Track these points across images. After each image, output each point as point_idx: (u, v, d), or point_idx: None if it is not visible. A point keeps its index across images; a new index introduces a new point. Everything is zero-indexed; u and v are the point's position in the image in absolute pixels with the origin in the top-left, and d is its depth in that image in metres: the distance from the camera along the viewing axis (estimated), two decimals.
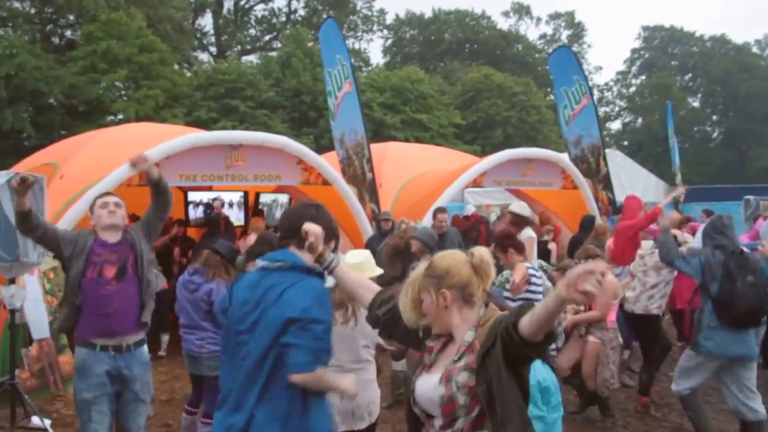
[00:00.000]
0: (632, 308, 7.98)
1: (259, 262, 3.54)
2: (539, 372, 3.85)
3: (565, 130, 16.36)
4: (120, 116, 27.64)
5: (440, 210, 10.26)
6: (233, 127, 25.89)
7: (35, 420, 6.99)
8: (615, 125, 63.55)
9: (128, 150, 9.64)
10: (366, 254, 5.26)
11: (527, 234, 9.18)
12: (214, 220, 12.35)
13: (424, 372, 2.97)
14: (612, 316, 7.43)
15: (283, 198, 14.62)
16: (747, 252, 6.47)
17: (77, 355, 5.05)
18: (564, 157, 14.54)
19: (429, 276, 2.94)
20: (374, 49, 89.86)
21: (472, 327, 2.88)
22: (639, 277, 7.96)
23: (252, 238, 9.62)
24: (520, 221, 9.16)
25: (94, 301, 5.02)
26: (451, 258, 2.98)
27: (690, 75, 62.27)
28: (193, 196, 13.90)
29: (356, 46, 51.24)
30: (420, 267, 3.02)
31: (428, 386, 2.89)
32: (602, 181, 15.27)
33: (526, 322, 2.59)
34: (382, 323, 3.32)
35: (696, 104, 61.12)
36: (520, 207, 9.64)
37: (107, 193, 5.56)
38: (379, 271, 5.17)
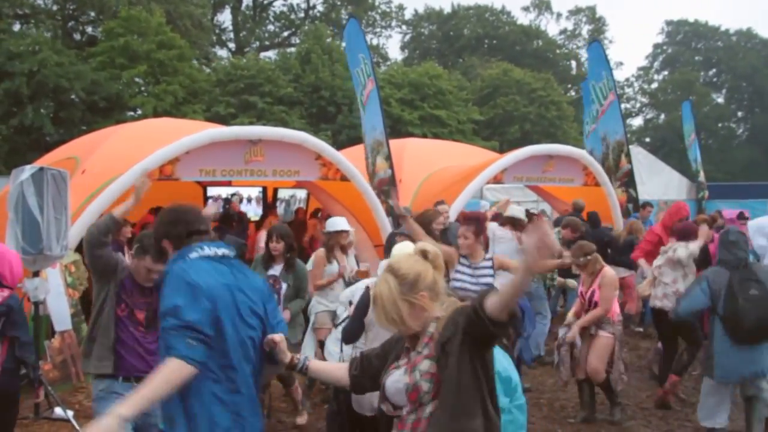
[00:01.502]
0: (660, 304, 7.94)
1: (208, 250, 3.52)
2: (500, 362, 3.81)
3: (587, 128, 16.35)
4: (139, 112, 27.74)
5: (440, 203, 10.09)
6: (251, 123, 25.93)
7: (58, 411, 7.04)
8: (637, 121, 63.15)
9: (149, 145, 9.75)
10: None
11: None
12: (225, 216, 12.39)
13: (392, 369, 3.10)
14: (616, 309, 7.44)
15: (301, 193, 14.65)
16: (752, 263, 6.35)
17: (101, 382, 4.77)
18: (585, 154, 14.45)
19: (403, 284, 3.00)
20: (393, 44, 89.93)
21: (433, 319, 3.01)
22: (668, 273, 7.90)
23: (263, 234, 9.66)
24: (515, 224, 9.12)
25: (132, 341, 4.78)
26: (410, 261, 3.10)
27: (714, 70, 61.49)
28: (212, 191, 13.96)
29: (374, 41, 51.20)
30: (385, 281, 3.06)
31: (395, 378, 3.03)
32: (622, 178, 15.18)
33: (493, 301, 2.73)
34: (356, 378, 3.35)
35: (720, 100, 60.48)
36: (517, 211, 9.61)
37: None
38: None
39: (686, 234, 8.15)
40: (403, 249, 5.51)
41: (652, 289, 8.21)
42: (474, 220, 6.83)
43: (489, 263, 6.60)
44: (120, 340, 4.75)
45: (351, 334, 5.21)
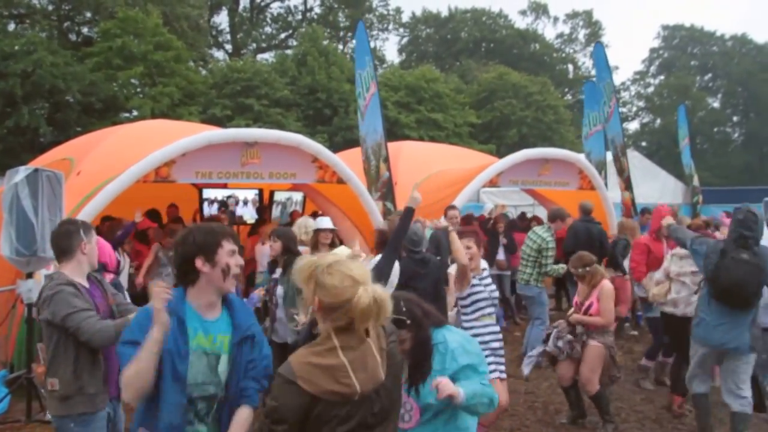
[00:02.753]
0: (672, 310, 7.91)
1: None
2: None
3: (586, 130, 16.42)
4: (135, 113, 27.69)
5: (451, 207, 10.20)
6: (247, 126, 25.96)
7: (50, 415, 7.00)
8: (633, 125, 63.31)
9: (145, 146, 9.74)
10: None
11: None
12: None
13: None
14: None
15: (297, 196, 14.61)
16: (752, 239, 6.33)
17: (80, 402, 4.55)
18: (581, 158, 14.48)
19: (317, 281, 2.92)
20: (390, 47, 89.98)
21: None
22: (683, 279, 7.86)
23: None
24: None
25: (112, 358, 4.63)
26: (342, 278, 2.88)
27: (710, 75, 61.84)
28: (207, 193, 13.92)
29: (372, 44, 51.17)
30: (323, 260, 2.99)
31: None
32: (625, 182, 15.24)
33: None
34: None
35: (716, 105, 60.72)
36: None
37: None
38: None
39: None
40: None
41: (671, 294, 8.10)
42: (473, 232, 6.90)
43: (488, 271, 6.65)
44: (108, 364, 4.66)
45: None
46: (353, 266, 2.94)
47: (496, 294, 6.53)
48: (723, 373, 6.50)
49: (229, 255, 3.49)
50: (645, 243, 9.77)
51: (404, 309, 3.64)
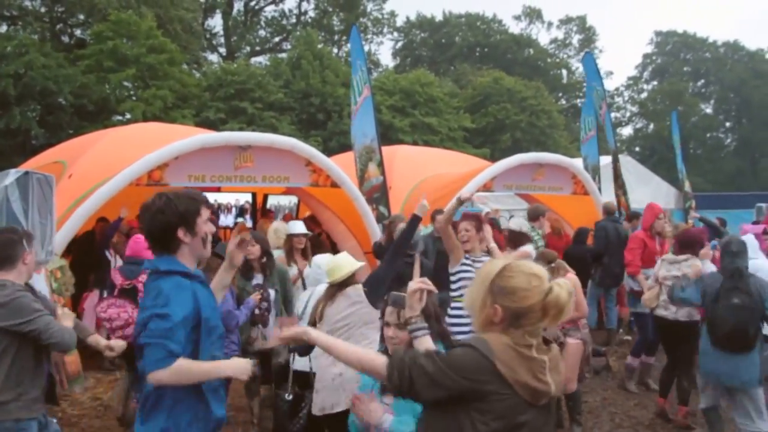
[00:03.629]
0: (664, 313, 7.83)
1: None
2: None
3: (588, 134, 16.43)
4: (128, 116, 27.59)
5: (439, 212, 10.11)
6: (241, 129, 25.89)
7: None
8: (626, 131, 63.47)
9: (137, 149, 9.71)
10: (331, 257, 5.66)
11: (525, 249, 9.19)
12: None
13: None
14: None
15: (291, 200, 14.61)
16: (747, 273, 6.34)
17: (17, 407, 4.47)
18: (575, 162, 14.47)
19: (495, 282, 2.73)
20: (384, 51, 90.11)
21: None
22: (668, 284, 7.82)
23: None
24: (516, 238, 9.11)
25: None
26: (528, 277, 2.71)
27: (703, 81, 62.12)
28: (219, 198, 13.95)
29: (366, 48, 51.19)
30: (495, 265, 2.80)
31: None
32: (621, 187, 15.24)
33: None
34: None
35: (709, 110, 61.00)
36: (517, 224, 9.59)
37: None
38: (359, 263, 5.47)
39: (690, 244, 8.01)
40: (324, 262, 5.82)
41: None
42: (474, 217, 7.04)
43: (487, 257, 6.68)
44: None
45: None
46: (529, 263, 2.80)
47: None
48: (735, 405, 6.44)
49: (205, 223, 3.50)
50: (641, 238, 9.83)
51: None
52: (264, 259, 7.14)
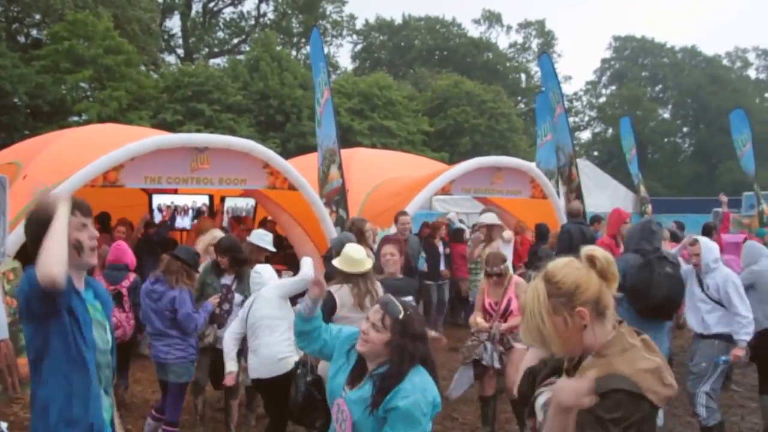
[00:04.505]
0: None
1: None
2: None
3: (540, 139, 16.54)
4: (84, 117, 27.24)
5: (402, 213, 10.11)
6: (198, 131, 25.65)
7: None
8: (585, 135, 64.07)
9: (93, 150, 9.60)
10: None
11: (507, 236, 9.37)
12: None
13: (543, 385, 2.73)
14: None
15: (249, 202, 14.52)
16: (667, 252, 6.51)
17: None
18: (533, 166, 14.56)
19: (555, 296, 2.52)
20: (343, 54, 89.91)
21: (593, 352, 2.54)
22: None
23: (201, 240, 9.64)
24: (492, 229, 9.15)
25: None
26: (572, 268, 2.57)
27: (660, 86, 62.96)
28: (157, 199, 13.77)
29: (325, 51, 51.00)
30: (535, 288, 2.60)
31: (538, 405, 2.69)
32: (575, 190, 15.32)
33: None
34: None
35: (666, 116, 61.75)
36: (489, 218, 9.62)
37: None
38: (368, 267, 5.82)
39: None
40: (354, 248, 5.93)
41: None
42: (396, 241, 7.00)
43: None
44: None
45: None
46: (549, 264, 2.64)
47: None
48: None
49: (77, 229, 3.24)
50: (607, 244, 9.67)
51: (408, 312, 3.47)
52: (236, 267, 7.22)
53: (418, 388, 3.32)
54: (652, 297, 6.18)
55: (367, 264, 5.82)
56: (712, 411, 6.71)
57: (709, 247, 6.91)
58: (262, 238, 7.92)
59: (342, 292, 5.71)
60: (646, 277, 6.23)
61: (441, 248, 13.02)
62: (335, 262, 5.84)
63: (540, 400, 2.65)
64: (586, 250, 2.61)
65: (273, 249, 8.14)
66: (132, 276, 7.80)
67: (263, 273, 6.51)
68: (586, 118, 64.65)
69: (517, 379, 2.94)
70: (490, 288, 7.31)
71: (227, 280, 7.15)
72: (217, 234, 9.10)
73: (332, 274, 5.99)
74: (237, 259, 7.19)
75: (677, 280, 6.23)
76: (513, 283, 7.25)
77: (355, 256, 5.77)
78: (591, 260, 2.56)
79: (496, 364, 7.08)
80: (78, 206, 3.30)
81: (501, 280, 7.22)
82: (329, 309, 5.51)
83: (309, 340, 3.99)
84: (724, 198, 14.73)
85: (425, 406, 3.33)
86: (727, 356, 6.71)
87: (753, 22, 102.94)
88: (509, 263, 9.30)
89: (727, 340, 6.72)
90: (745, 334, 6.64)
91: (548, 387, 2.61)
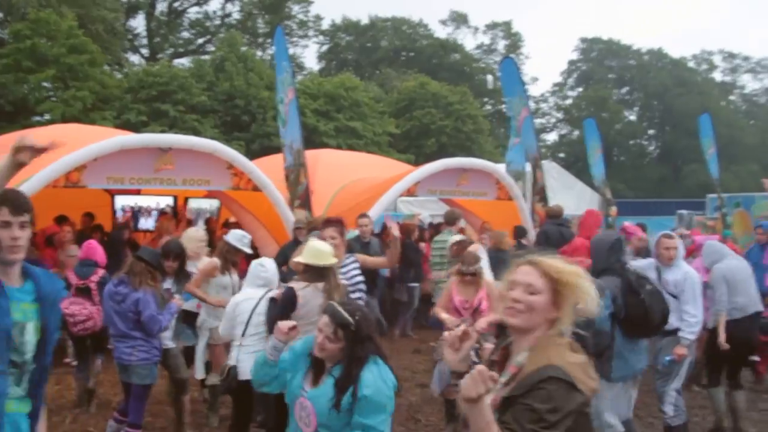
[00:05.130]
0: None
1: None
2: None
3: (514, 141, 16.55)
4: (46, 117, 26.90)
5: (363, 216, 10.05)
6: (163, 132, 25.36)
7: None
8: (551, 137, 64.36)
9: (56, 151, 9.43)
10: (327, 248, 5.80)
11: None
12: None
13: None
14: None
15: (213, 203, 14.46)
16: (628, 264, 6.47)
17: None
18: (499, 168, 14.61)
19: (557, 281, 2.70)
20: (309, 54, 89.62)
21: (527, 346, 2.68)
22: None
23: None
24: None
25: None
26: (579, 277, 2.71)
27: (627, 88, 63.34)
28: (120, 200, 13.68)
29: (291, 51, 50.74)
30: (565, 265, 2.76)
31: None
32: (539, 193, 15.39)
33: None
34: None
35: (633, 118, 62.20)
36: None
37: None
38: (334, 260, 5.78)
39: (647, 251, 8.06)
40: (319, 242, 5.94)
41: None
42: (337, 222, 6.88)
43: (356, 263, 6.88)
44: None
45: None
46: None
47: (357, 281, 6.73)
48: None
49: (1, 227, 3.18)
50: (587, 246, 9.62)
51: (357, 318, 3.62)
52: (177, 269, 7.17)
53: (377, 376, 3.60)
54: (652, 320, 6.03)
55: (333, 257, 5.77)
56: (679, 410, 6.78)
57: (679, 243, 7.07)
58: (240, 239, 7.85)
59: (306, 291, 5.61)
60: (636, 302, 6.02)
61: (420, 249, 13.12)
62: (299, 258, 5.77)
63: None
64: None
65: (249, 251, 8.05)
66: (101, 271, 8.04)
67: (269, 267, 6.40)
68: (553, 120, 64.97)
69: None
70: (459, 287, 7.31)
71: (167, 284, 7.03)
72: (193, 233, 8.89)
73: (288, 278, 5.96)
74: (182, 260, 7.21)
75: (659, 293, 6.16)
76: (485, 283, 7.30)
77: (322, 248, 5.74)
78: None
79: (474, 359, 7.04)
80: (5, 202, 3.25)
81: (474, 280, 7.24)
82: (288, 306, 5.51)
83: (273, 383, 4.00)
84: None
85: (387, 390, 3.63)
86: (671, 355, 6.78)
87: (719, 25, 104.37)
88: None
89: None
90: (690, 333, 6.71)
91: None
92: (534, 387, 2.44)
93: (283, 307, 5.55)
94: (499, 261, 10.93)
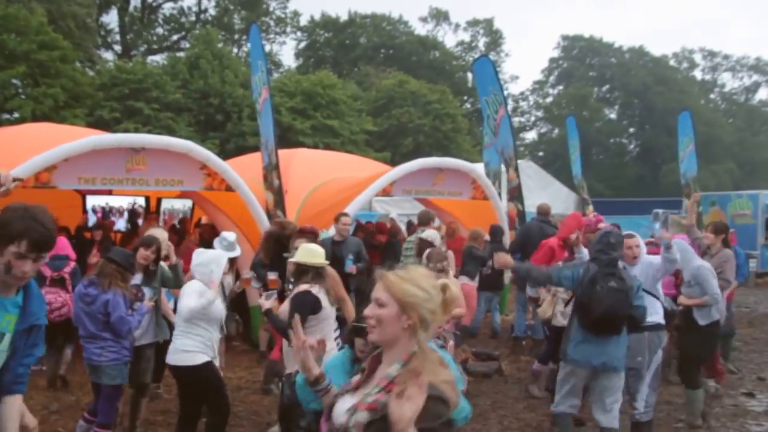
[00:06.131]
0: (563, 323, 7.79)
1: None
2: None
3: (490, 141, 16.49)
4: (16, 115, 26.56)
5: (343, 214, 10.16)
6: (136, 130, 25.11)
7: None
8: (531, 135, 64.55)
9: (25, 150, 9.34)
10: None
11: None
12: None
13: (347, 392, 2.86)
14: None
15: (186, 203, 14.35)
16: (621, 268, 6.55)
17: None
18: (475, 167, 14.58)
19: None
20: (287, 51, 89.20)
21: (401, 360, 2.70)
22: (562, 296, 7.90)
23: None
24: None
25: None
26: (429, 282, 2.78)
27: (608, 86, 63.60)
28: (91, 200, 13.52)
29: (268, 48, 50.52)
30: (395, 276, 2.80)
31: (340, 409, 2.79)
32: (512, 192, 15.35)
33: None
34: None
35: (613, 116, 62.49)
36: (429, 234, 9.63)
37: None
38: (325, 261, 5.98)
39: None
40: (310, 247, 5.99)
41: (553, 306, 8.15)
42: (311, 232, 7.23)
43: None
44: None
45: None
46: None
47: None
48: (594, 391, 6.59)
49: (13, 255, 3.21)
50: (551, 246, 9.62)
51: None
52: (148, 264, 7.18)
53: None
54: (593, 311, 6.18)
55: (324, 258, 5.91)
56: (648, 407, 6.87)
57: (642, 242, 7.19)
58: (220, 244, 8.11)
59: (320, 293, 5.77)
60: (587, 292, 6.26)
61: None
62: (295, 259, 5.91)
63: (343, 405, 2.78)
64: (443, 282, 2.85)
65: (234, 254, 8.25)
66: (72, 264, 8.95)
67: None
68: (533, 119, 65.20)
69: None
70: None
71: (136, 279, 7.03)
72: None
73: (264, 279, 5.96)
74: (158, 257, 7.31)
75: (622, 294, 6.19)
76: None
77: (315, 248, 5.93)
78: (443, 289, 2.80)
79: None
80: (27, 236, 3.23)
81: (444, 276, 7.18)
82: (309, 308, 5.66)
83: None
84: None
85: None
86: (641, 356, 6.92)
87: (700, 23, 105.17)
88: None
89: (657, 329, 6.93)
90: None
91: (350, 392, 2.83)
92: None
93: (308, 309, 5.66)
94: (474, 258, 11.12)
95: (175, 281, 7.53)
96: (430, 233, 9.68)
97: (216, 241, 8.35)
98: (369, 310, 2.77)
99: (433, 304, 2.73)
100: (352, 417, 2.66)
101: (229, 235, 8.44)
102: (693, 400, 7.81)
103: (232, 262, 8.57)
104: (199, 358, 6.21)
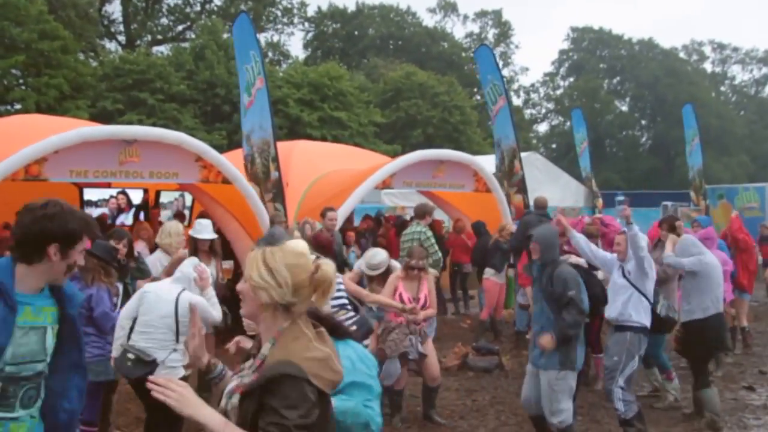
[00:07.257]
0: None
1: None
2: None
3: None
4: (18, 106, 26.44)
5: (330, 209, 10.05)
6: (140, 121, 24.89)
7: None
8: (542, 127, 64.20)
9: (15, 142, 9.19)
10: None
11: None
12: None
13: (235, 376, 2.78)
14: None
15: (186, 196, 14.23)
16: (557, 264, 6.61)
17: None
18: (476, 160, 14.40)
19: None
20: (295, 42, 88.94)
21: (271, 338, 2.61)
22: None
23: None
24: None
25: None
26: (291, 261, 2.61)
27: (618, 78, 63.27)
28: (89, 193, 13.39)
29: (275, 39, 50.35)
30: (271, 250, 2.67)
31: (225, 394, 2.73)
32: (516, 184, 15.14)
33: None
34: None
35: (624, 108, 62.11)
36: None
37: None
38: None
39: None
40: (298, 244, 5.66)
41: None
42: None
43: (341, 285, 6.80)
44: None
45: None
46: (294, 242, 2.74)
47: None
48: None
49: (80, 253, 3.28)
50: None
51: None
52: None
53: (356, 359, 3.47)
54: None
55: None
56: (629, 403, 6.81)
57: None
58: (198, 230, 8.04)
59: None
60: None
61: None
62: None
63: (228, 389, 2.69)
64: (316, 263, 2.68)
65: (208, 237, 8.12)
66: None
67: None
68: (543, 111, 64.86)
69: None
70: (405, 282, 7.50)
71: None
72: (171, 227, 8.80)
73: None
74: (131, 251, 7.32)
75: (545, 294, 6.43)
76: (428, 279, 7.61)
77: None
78: (316, 267, 2.65)
79: (421, 350, 7.35)
80: (89, 234, 3.36)
81: (418, 274, 7.46)
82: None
83: None
84: None
85: (369, 370, 3.53)
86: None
87: (709, 15, 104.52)
88: None
89: (640, 331, 6.92)
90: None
91: (239, 375, 2.70)
92: (269, 384, 2.43)
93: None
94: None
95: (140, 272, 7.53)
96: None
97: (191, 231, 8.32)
98: (239, 284, 2.71)
99: (282, 288, 2.56)
100: (229, 401, 2.59)
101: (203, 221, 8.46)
102: (709, 399, 7.69)
103: (213, 247, 8.34)
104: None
